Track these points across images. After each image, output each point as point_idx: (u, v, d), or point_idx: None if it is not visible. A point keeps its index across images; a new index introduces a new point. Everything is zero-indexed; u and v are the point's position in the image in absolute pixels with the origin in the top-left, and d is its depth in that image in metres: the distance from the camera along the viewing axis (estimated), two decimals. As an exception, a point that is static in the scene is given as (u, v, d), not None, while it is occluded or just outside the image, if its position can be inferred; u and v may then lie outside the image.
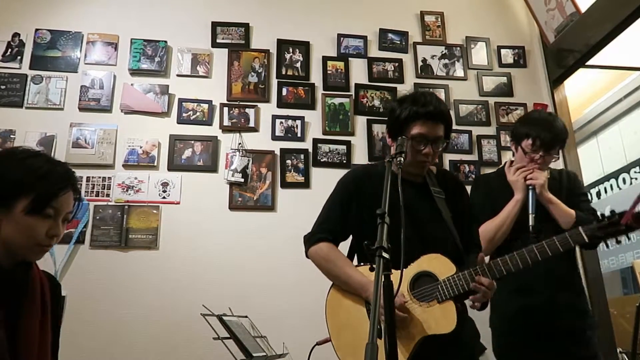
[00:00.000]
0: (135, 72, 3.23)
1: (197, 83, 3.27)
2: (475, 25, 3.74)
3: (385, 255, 1.10)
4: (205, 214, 3.00)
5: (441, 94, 3.46)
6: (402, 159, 1.48)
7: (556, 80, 3.58)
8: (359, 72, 3.47)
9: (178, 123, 3.17)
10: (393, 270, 1.20)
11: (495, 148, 3.41)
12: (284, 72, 3.39)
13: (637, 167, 4.40)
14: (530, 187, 2.08)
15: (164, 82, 3.23)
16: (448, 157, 3.34)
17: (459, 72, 3.59)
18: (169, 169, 3.07)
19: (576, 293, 2.13)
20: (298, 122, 3.27)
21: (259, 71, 3.35)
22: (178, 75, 3.27)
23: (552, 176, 2.21)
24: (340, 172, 3.09)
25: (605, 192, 4.76)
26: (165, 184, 3.03)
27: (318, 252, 1.76)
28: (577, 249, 3.06)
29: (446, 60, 3.61)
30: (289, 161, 3.19)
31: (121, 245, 2.89)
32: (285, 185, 3.14)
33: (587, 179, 4.15)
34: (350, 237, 1.84)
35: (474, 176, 3.27)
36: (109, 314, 2.76)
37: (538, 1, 3.54)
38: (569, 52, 3.40)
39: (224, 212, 3.03)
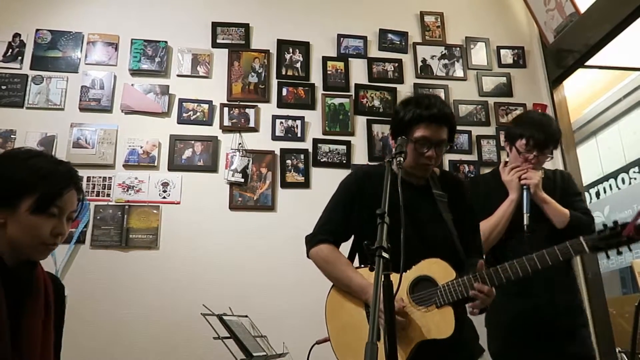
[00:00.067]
0: (135, 72, 3.24)
1: (198, 83, 3.28)
2: (474, 26, 3.75)
3: (385, 255, 1.11)
4: (205, 214, 3.01)
5: (441, 94, 3.47)
6: (402, 159, 1.49)
7: (555, 81, 3.59)
8: (359, 73, 3.48)
9: (178, 123, 3.17)
10: (393, 273, 1.20)
11: (494, 148, 3.41)
12: (284, 72, 3.39)
13: (636, 167, 4.40)
14: (524, 186, 2.10)
15: (164, 83, 3.23)
16: (448, 157, 3.34)
17: (459, 73, 3.60)
18: (169, 169, 3.08)
19: (571, 292, 2.15)
20: (298, 122, 3.28)
21: (259, 71, 3.36)
22: (178, 76, 3.27)
23: (546, 176, 2.22)
24: (340, 172, 3.15)
25: (605, 192, 4.77)
26: (165, 184, 3.04)
27: (319, 254, 1.76)
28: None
29: (446, 61, 3.61)
30: (289, 161, 3.19)
31: (121, 245, 2.89)
32: (285, 185, 3.15)
33: (586, 179, 4.16)
34: (353, 237, 1.84)
35: (473, 176, 3.27)
36: (109, 314, 2.76)
37: (537, 1, 3.54)
38: (568, 53, 3.40)
39: (224, 212, 3.04)
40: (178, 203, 3.02)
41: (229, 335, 2.13)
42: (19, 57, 3.16)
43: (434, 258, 1.63)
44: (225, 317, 2.18)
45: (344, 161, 3.23)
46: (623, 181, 4.56)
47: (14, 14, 3.24)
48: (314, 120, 3.31)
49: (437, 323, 1.56)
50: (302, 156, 3.20)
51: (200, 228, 2.98)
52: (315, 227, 1.83)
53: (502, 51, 3.69)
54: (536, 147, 2.11)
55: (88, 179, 2.94)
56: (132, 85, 3.20)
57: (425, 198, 1.75)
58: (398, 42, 3.60)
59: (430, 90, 3.48)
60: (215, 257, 2.94)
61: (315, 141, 3.25)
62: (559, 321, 2.04)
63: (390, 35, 3.60)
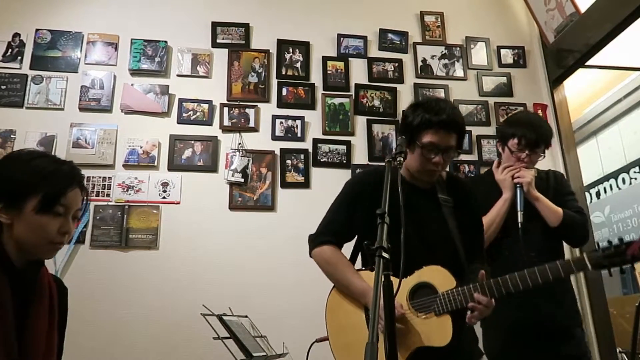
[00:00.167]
0: (135, 72, 3.23)
1: (197, 83, 3.28)
2: (475, 26, 3.74)
3: (385, 255, 1.11)
4: (205, 214, 3.01)
5: (441, 94, 3.47)
6: (401, 159, 1.48)
7: (556, 81, 3.58)
8: (359, 72, 3.47)
9: (178, 123, 3.17)
10: (393, 276, 1.20)
11: (495, 148, 3.41)
12: (284, 72, 3.39)
13: (637, 167, 4.40)
14: (517, 185, 2.12)
15: (164, 82, 3.23)
16: (448, 157, 3.34)
17: (459, 72, 3.60)
18: (169, 169, 3.07)
19: (567, 291, 2.16)
20: (298, 122, 3.28)
21: (259, 71, 3.36)
22: (178, 76, 3.27)
23: (539, 177, 2.25)
24: (340, 172, 3.17)
25: (605, 192, 4.76)
26: (165, 184, 3.03)
27: (321, 255, 1.77)
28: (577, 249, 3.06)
29: (446, 61, 3.61)
30: (289, 161, 3.19)
31: (121, 245, 2.89)
32: (285, 185, 3.14)
33: (586, 179, 4.15)
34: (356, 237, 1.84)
35: (477, 175, 3.27)
36: (109, 314, 2.76)
37: (538, 1, 3.54)
38: (568, 52, 3.40)
39: (224, 212, 3.03)
40: (178, 203, 3.02)
41: (228, 336, 2.13)
42: (19, 57, 3.16)
43: (435, 265, 1.62)
44: (225, 317, 2.17)
45: (344, 161, 3.22)
46: (623, 181, 4.55)
47: (14, 13, 3.24)
48: (314, 120, 3.31)
49: (435, 331, 1.56)
50: (302, 156, 3.20)
51: (200, 228, 2.98)
52: (319, 227, 1.83)
53: (503, 51, 3.69)
54: (528, 146, 2.15)
55: (88, 179, 2.94)
56: (132, 85, 3.20)
57: (430, 202, 1.74)
58: (398, 42, 3.60)
59: (431, 90, 3.48)
60: (215, 257, 2.93)
61: (315, 141, 3.25)
62: (556, 321, 2.04)
63: (390, 35, 3.60)
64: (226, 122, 3.21)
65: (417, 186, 1.75)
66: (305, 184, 3.15)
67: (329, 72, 3.43)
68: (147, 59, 3.26)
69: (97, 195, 2.95)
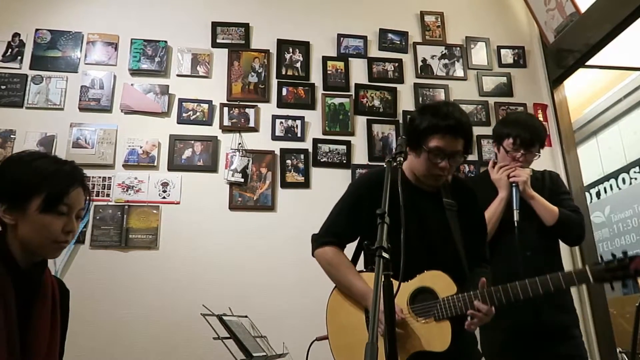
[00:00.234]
0: (135, 72, 3.23)
1: (197, 83, 3.27)
2: (475, 25, 3.74)
3: (385, 255, 1.11)
4: (205, 214, 3.01)
5: (441, 94, 3.47)
6: (401, 159, 1.48)
7: (556, 80, 3.58)
8: (359, 72, 3.47)
9: (178, 123, 3.17)
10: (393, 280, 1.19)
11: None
12: (284, 72, 3.39)
13: (637, 167, 4.40)
14: (513, 184, 2.14)
15: (164, 82, 3.23)
16: (448, 157, 3.34)
17: (459, 72, 3.60)
18: (169, 169, 3.07)
19: (566, 292, 2.15)
20: (298, 122, 3.28)
21: (259, 71, 3.36)
22: (178, 75, 3.27)
23: (534, 176, 2.26)
24: (340, 172, 3.17)
25: (605, 192, 4.76)
26: (165, 184, 3.03)
27: (323, 255, 1.77)
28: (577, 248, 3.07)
29: (446, 60, 3.61)
30: (289, 161, 3.19)
31: (121, 245, 2.89)
32: (285, 185, 3.14)
33: (586, 179, 4.15)
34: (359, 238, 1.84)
35: (473, 176, 3.27)
36: (109, 314, 2.76)
37: (538, 1, 3.54)
38: (568, 52, 3.40)
39: (224, 212, 3.03)
40: (178, 203, 3.02)
41: (228, 336, 2.13)
42: (19, 57, 3.16)
43: (436, 270, 1.62)
44: (225, 318, 2.17)
45: (344, 161, 3.22)
46: (623, 181, 4.55)
47: (14, 13, 3.24)
48: (314, 120, 3.31)
49: (434, 336, 1.56)
50: (302, 156, 3.20)
51: (200, 228, 2.98)
52: (322, 227, 1.83)
53: (503, 51, 3.69)
54: (523, 146, 2.17)
55: (88, 179, 2.93)
56: (132, 85, 3.20)
57: (433, 205, 1.74)
58: (398, 42, 3.59)
59: (431, 90, 3.48)
60: (215, 257, 2.93)
61: (315, 141, 3.25)
62: (555, 322, 2.05)
63: (390, 35, 3.60)
64: (226, 122, 3.20)
65: (421, 189, 1.75)
66: (305, 184, 3.15)
67: (329, 72, 3.43)
68: (147, 59, 3.26)
69: (97, 195, 2.95)
